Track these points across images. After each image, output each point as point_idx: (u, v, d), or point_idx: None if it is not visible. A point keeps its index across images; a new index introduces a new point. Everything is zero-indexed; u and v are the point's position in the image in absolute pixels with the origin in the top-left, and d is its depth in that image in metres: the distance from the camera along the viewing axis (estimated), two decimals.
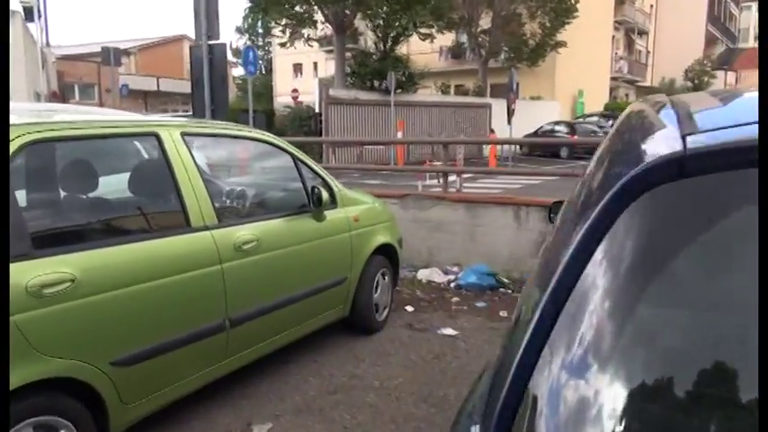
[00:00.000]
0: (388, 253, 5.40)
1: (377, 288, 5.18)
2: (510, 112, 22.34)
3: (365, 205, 5.21)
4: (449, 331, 5.30)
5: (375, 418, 3.77)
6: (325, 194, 4.31)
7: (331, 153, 20.29)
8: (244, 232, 3.70)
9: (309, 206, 4.35)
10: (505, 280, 6.80)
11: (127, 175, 3.48)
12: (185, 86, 22.03)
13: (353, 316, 5.03)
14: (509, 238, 6.93)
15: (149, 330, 3.05)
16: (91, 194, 3.37)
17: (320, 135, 21.94)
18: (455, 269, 7.19)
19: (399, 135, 22.64)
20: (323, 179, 4.66)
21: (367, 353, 4.81)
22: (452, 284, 6.73)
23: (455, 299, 6.29)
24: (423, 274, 7.08)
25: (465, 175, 11.90)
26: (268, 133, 4.31)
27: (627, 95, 54.84)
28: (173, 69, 42.00)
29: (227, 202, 4.08)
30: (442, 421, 3.72)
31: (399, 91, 24.57)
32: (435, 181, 15.43)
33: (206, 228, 3.41)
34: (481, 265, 6.78)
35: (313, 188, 4.33)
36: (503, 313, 5.79)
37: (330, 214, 4.56)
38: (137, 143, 3.64)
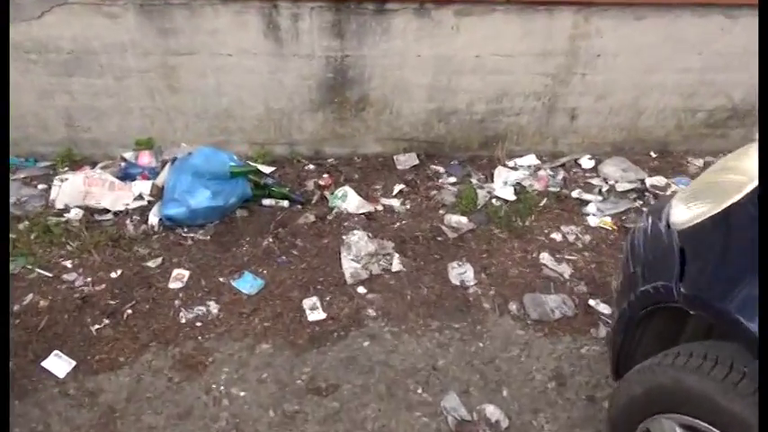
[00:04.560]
0: None
1: None
2: None
3: None
4: None
5: None
6: None
7: None
8: None
9: None
10: (266, 170, 3.19)
11: None
12: None
13: None
14: (261, 78, 3.11)
15: None
16: None
17: None
18: (145, 160, 3.18)
19: None
20: None
21: None
22: (154, 216, 2.84)
23: (176, 280, 2.54)
24: (69, 197, 2.92)
25: None
26: None
27: None
28: None
29: None
30: None
31: None
32: None
33: None
34: (213, 152, 2.95)
35: None
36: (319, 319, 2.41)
37: None
38: None
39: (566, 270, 2.64)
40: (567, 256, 2.73)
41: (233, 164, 2.92)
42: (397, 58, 3.10)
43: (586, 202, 3.09)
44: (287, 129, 3.30)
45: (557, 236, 2.85)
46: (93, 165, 3.22)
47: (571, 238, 2.85)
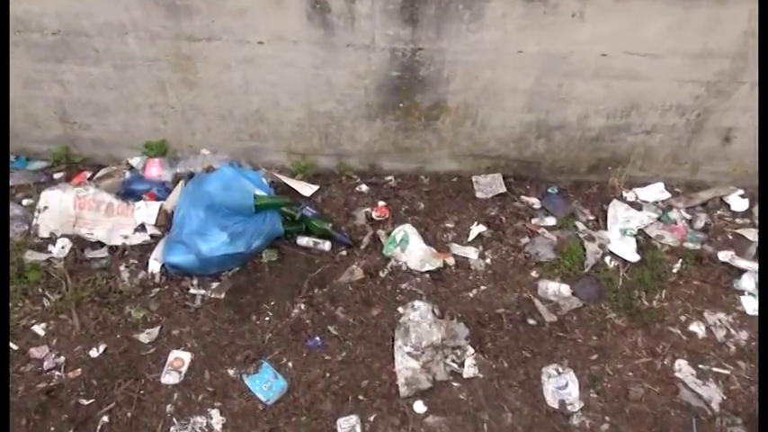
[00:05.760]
0: None
1: None
2: None
3: None
4: None
5: None
6: None
7: None
8: None
9: None
10: (305, 191, 2.47)
11: None
12: None
13: None
14: (303, 73, 2.33)
15: None
16: None
17: None
18: (154, 172, 2.52)
19: None
20: None
21: None
22: (156, 261, 2.19)
23: (172, 370, 1.90)
24: (57, 223, 2.30)
25: None
26: None
27: None
28: None
29: None
30: None
31: None
32: None
33: None
34: (235, 174, 2.24)
35: None
36: None
37: None
38: None
39: (714, 394, 1.84)
40: (713, 368, 1.92)
41: (260, 193, 2.21)
42: (490, 54, 2.23)
43: (740, 272, 2.22)
44: (335, 137, 2.53)
45: (698, 328, 2.03)
46: (97, 168, 2.60)
47: (719, 333, 2.02)
